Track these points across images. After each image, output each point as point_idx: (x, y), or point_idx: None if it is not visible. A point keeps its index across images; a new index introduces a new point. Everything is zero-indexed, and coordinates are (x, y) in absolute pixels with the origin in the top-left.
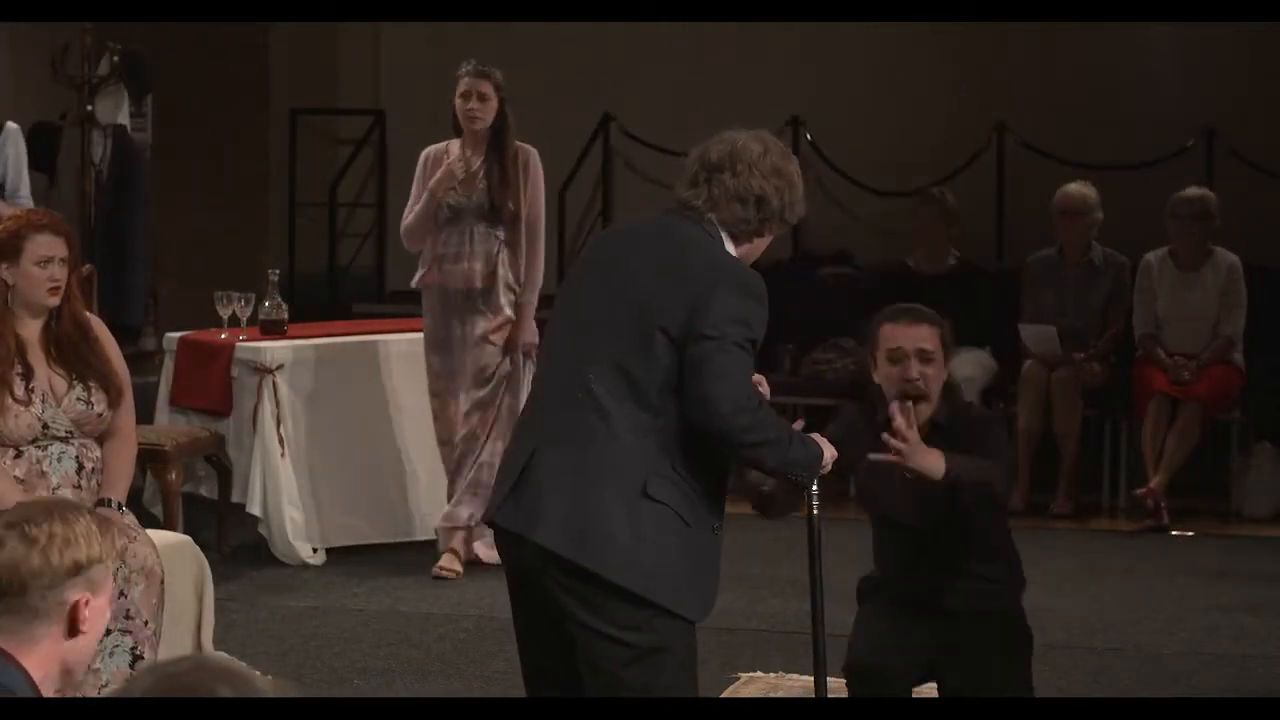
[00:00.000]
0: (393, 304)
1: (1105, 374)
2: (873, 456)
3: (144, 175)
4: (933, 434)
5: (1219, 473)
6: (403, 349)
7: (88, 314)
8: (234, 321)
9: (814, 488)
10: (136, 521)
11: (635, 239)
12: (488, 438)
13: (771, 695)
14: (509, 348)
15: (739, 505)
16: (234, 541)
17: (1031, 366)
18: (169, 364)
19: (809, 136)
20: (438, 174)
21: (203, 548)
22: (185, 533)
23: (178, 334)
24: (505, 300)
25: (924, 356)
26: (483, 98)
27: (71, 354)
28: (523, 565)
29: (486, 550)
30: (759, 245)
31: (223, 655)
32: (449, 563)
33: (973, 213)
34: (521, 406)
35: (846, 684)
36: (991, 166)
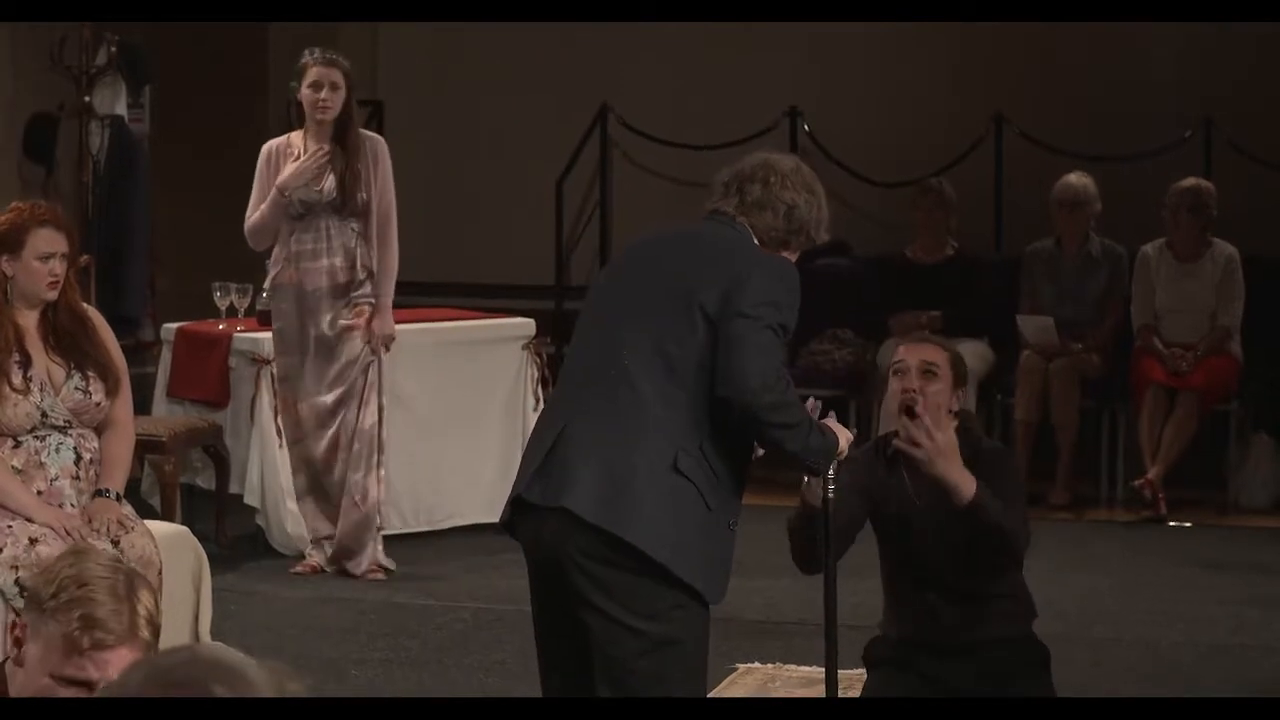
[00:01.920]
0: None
1: (1103, 365)
2: (898, 443)
3: (142, 166)
4: None
5: (1217, 463)
6: (402, 338)
7: (85, 305)
8: (232, 312)
9: (830, 473)
10: (134, 512)
11: (670, 237)
12: (347, 461)
13: (770, 685)
14: (369, 340)
15: (748, 495)
16: (232, 532)
17: (1029, 357)
18: (167, 355)
19: (807, 127)
20: (288, 169)
21: (200, 538)
22: (183, 523)
23: (175, 325)
24: (365, 294)
25: (926, 370)
26: (334, 87)
27: (69, 343)
28: (544, 545)
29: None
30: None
31: (218, 645)
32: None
33: (971, 204)
34: (373, 416)
35: None
36: (990, 157)
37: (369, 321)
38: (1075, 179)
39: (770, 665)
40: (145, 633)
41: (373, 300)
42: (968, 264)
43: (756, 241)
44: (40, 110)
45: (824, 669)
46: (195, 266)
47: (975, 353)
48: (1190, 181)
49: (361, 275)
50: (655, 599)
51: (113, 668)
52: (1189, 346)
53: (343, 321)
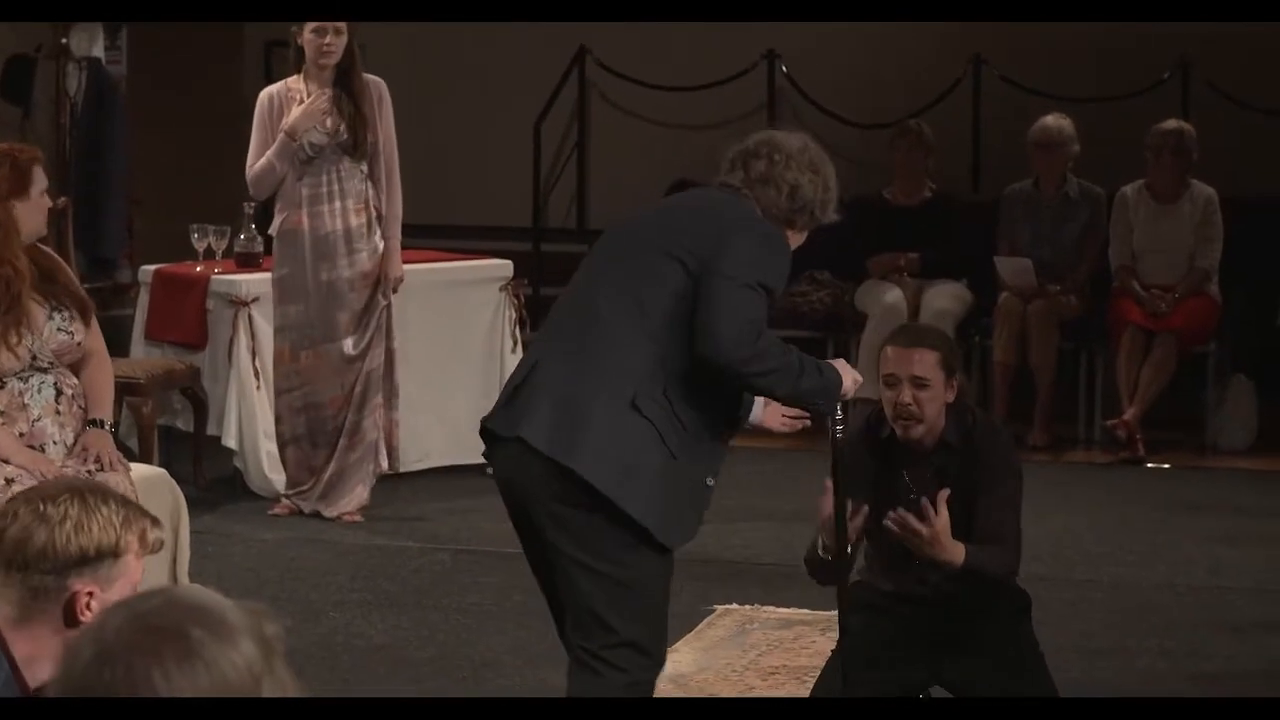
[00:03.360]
0: None
1: (1081, 306)
2: (890, 525)
3: (119, 108)
4: (941, 453)
5: (1195, 405)
6: None
7: (41, 247)
8: (209, 254)
9: (839, 414)
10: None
11: (676, 198)
12: (363, 400)
13: (748, 626)
14: (381, 284)
15: None
16: (210, 474)
17: (1007, 299)
18: (144, 297)
19: (784, 69)
20: (295, 112)
21: (178, 480)
22: (160, 465)
23: (153, 267)
24: (377, 237)
25: (918, 384)
26: (337, 31)
27: (46, 282)
28: (507, 476)
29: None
30: (790, 239)
31: (195, 587)
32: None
33: (949, 145)
34: (379, 359)
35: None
36: (968, 99)
37: (382, 264)
38: (1053, 120)
39: (748, 606)
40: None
41: (380, 243)
42: (946, 206)
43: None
44: (17, 52)
45: (802, 610)
46: (173, 208)
47: (953, 294)
48: (1172, 123)
49: (372, 218)
50: (607, 537)
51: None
52: (1167, 288)
53: (356, 269)
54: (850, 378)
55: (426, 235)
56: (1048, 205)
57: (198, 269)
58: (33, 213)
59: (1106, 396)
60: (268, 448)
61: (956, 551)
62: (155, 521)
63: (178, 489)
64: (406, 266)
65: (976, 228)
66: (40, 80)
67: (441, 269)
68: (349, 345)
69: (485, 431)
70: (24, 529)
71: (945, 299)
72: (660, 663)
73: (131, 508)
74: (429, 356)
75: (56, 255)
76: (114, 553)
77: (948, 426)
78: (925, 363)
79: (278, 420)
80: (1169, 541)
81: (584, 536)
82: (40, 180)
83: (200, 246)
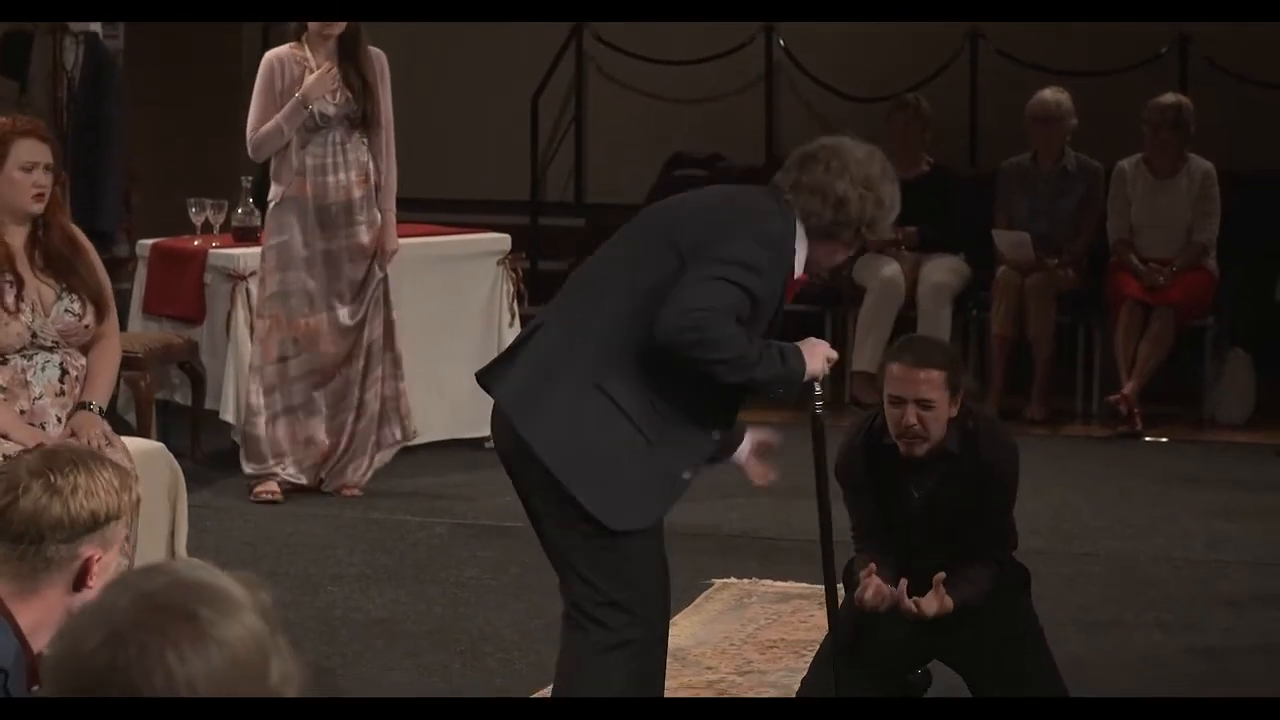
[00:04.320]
0: None
1: (1078, 280)
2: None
3: (116, 82)
4: (943, 461)
5: (1192, 379)
6: None
7: (74, 226)
8: (207, 228)
9: (817, 391)
10: (110, 429)
11: (704, 191)
12: (365, 374)
13: (746, 600)
14: (378, 256)
15: None
16: (207, 448)
17: (1005, 272)
18: (142, 271)
19: (782, 42)
20: (311, 79)
21: (176, 454)
22: (159, 439)
23: (150, 241)
24: (375, 211)
25: (924, 405)
26: None
27: (62, 266)
28: (494, 429)
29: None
30: (832, 250)
31: (194, 562)
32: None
33: (946, 119)
34: (379, 330)
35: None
36: (965, 73)
37: (379, 237)
38: (1051, 94)
39: (746, 580)
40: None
41: (378, 216)
42: (943, 179)
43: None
44: (14, 26)
45: (800, 584)
46: (170, 183)
47: (950, 268)
48: (1171, 97)
49: (371, 191)
50: (564, 505)
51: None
52: (1165, 262)
53: (356, 240)
54: (819, 360)
55: (424, 209)
56: (1045, 179)
57: (195, 243)
58: (5, 185)
59: (1104, 370)
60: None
61: (947, 605)
62: (136, 479)
63: (175, 463)
64: (404, 240)
65: (974, 201)
66: (37, 55)
67: (439, 243)
68: (345, 315)
69: (480, 383)
70: (35, 502)
71: (943, 272)
72: (651, 623)
73: (119, 470)
74: (426, 331)
75: (89, 246)
76: (116, 515)
77: (948, 435)
78: (931, 384)
79: (268, 391)
80: (1166, 515)
81: (548, 501)
82: (23, 155)
83: (198, 220)
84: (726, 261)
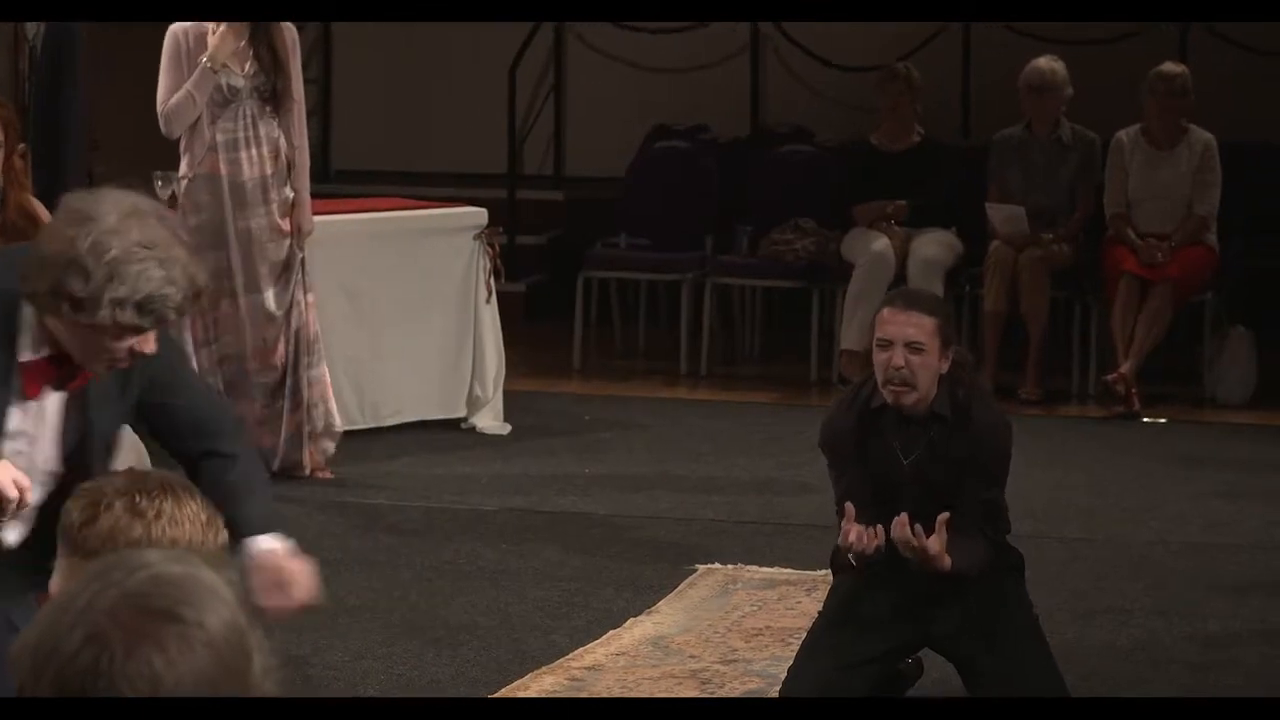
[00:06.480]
0: (339, 183)
1: (1074, 255)
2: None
3: (79, 53)
4: (932, 424)
5: (1192, 357)
6: (350, 228)
7: (34, 200)
8: (173, 202)
9: None
10: None
11: None
12: (295, 359)
13: (730, 586)
14: (296, 236)
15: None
16: None
17: (998, 247)
18: None
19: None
20: (214, 40)
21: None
22: None
23: None
24: (288, 189)
25: (913, 348)
26: None
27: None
28: None
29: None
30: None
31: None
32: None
33: (938, 89)
34: (302, 314)
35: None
36: (957, 41)
37: (294, 216)
38: (1045, 63)
39: (730, 566)
40: None
41: (290, 194)
42: (935, 151)
43: None
44: None
45: (786, 569)
46: (135, 155)
47: (942, 242)
48: (1171, 66)
49: (283, 168)
50: None
51: None
52: (1163, 236)
53: (272, 219)
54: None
55: (398, 182)
56: (1040, 150)
57: None
58: None
59: (1100, 348)
60: None
61: (945, 563)
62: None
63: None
64: (380, 215)
65: (966, 174)
66: None
67: (414, 216)
68: (270, 300)
69: None
70: (116, 521)
71: (934, 247)
72: None
73: (207, 505)
74: (400, 308)
75: (47, 217)
76: (198, 550)
77: (939, 397)
78: (922, 327)
79: (206, 375)
80: (1165, 498)
81: None
82: None
83: (164, 194)
84: None
